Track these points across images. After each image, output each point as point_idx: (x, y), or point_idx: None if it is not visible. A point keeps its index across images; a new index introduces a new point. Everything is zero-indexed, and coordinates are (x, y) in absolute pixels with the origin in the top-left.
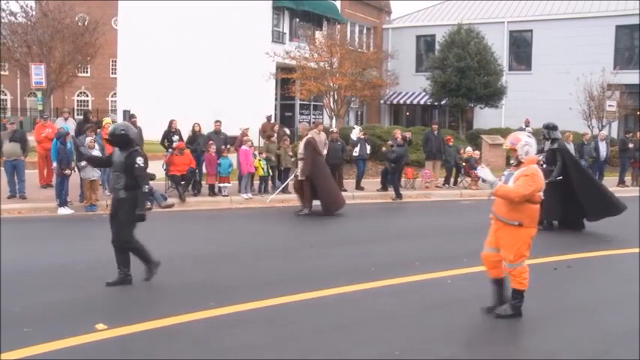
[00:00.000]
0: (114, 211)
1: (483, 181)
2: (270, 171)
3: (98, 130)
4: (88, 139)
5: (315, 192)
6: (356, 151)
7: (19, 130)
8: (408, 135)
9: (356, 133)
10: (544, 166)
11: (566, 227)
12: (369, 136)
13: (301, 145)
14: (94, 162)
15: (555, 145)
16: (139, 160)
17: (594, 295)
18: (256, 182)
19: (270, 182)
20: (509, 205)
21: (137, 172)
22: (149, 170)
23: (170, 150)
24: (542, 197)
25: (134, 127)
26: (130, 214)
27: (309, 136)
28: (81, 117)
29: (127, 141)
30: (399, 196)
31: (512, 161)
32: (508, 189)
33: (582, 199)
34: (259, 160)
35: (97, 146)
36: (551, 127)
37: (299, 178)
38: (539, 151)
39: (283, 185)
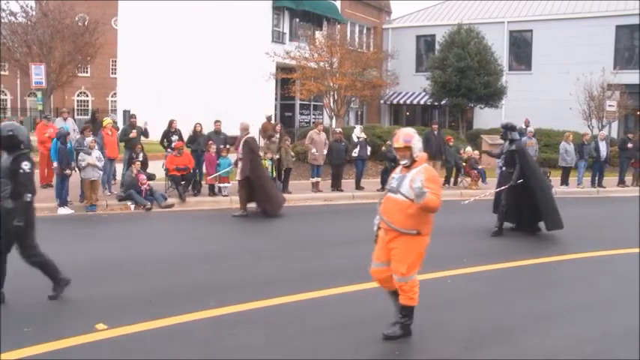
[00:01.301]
0: (2, 223)
1: (419, 192)
2: (274, 171)
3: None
4: (89, 139)
5: (253, 193)
6: (355, 152)
7: None
8: None
9: (357, 133)
10: (503, 168)
11: (522, 231)
12: (369, 138)
13: (240, 145)
14: None
15: (514, 147)
16: (25, 165)
17: (594, 295)
18: None
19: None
20: (407, 212)
21: (21, 179)
22: (149, 170)
23: (169, 150)
24: (503, 201)
25: (133, 127)
26: (10, 226)
27: (248, 136)
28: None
29: (14, 143)
30: None
31: (404, 162)
32: (435, 199)
33: (541, 204)
34: (264, 159)
35: (97, 147)
36: (509, 128)
37: (237, 179)
38: (500, 153)
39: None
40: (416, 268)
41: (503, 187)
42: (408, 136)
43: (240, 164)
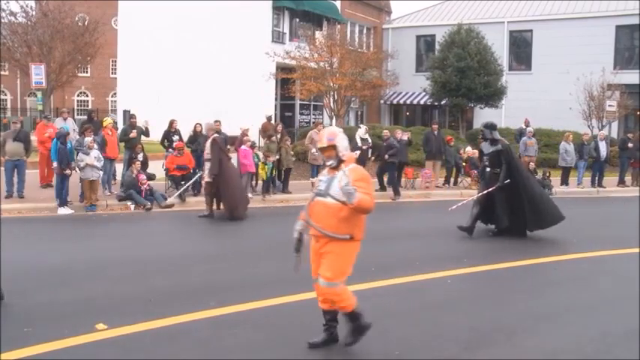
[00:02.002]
0: None
1: (347, 190)
2: (273, 172)
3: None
4: (87, 139)
5: (219, 194)
6: (356, 153)
7: (23, 130)
8: (407, 135)
9: (362, 133)
10: (488, 169)
11: (509, 234)
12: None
13: (207, 144)
14: None
15: (499, 147)
16: None
17: (594, 295)
18: (259, 182)
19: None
20: (339, 215)
21: None
22: (149, 170)
23: (170, 150)
24: (479, 203)
25: (133, 127)
26: None
27: (216, 135)
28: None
29: None
30: (397, 194)
31: (330, 162)
32: (369, 199)
33: (527, 205)
34: (263, 163)
35: (96, 146)
36: (491, 127)
37: (206, 179)
38: (480, 153)
39: (185, 186)
40: (344, 275)
41: (490, 189)
42: (332, 134)
43: (207, 164)
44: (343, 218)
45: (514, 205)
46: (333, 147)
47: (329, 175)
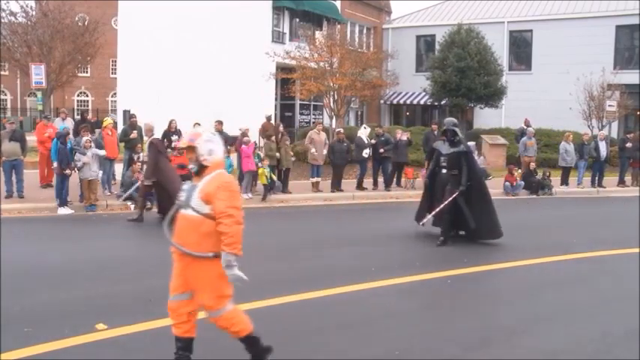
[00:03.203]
0: None
1: (226, 265)
2: (273, 177)
3: (97, 131)
4: (84, 138)
5: (156, 197)
6: (366, 152)
7: (18, 130)
8: (407, 135)
9: (365, 133)
10: (444, 171)
11: (468, 238)
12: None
13: (146, 146)
14: None
15: (462, 148)
16: None
17: (594, 295)
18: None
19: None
20: (200, 230)
21: None
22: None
23: (170, 150)
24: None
25: (134, 127)
26: None
27: (155, 136)
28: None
29: None
30: (388, 186)
31: (191, 166)
32: (232, 226)
33: (476, 211)
34: (263, 167)
35: (93, 146)
36: (456, 125)
37: (144, 183)
38: (431, 152)
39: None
40: (225, 299)
41: (455, 195)
42: (194, 135)
43: (144, 167)
44: (206, 234)
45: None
46: (192, 149)
47: (193, 183)
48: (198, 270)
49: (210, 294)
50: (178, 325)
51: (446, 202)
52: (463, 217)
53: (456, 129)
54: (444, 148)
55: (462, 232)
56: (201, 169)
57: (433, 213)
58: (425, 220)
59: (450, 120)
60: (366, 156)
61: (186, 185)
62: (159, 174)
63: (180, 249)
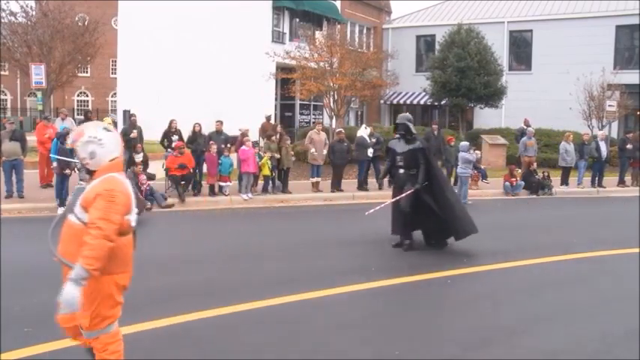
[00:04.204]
0: None
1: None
2: (272, 173)
3: None
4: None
5: None
6: (370, 152)
7: (18, 130)
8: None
9: (366, 133)
10: (401, 170)
11: (429, 245)
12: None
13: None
14: None
15: (417, 145)
16: None
17: (594, 295)
18: (260, 182)
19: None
20: (82, 240)
21: None
22: (149, 170)
23: (169, 150)
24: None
25: (134, 127)
26: None
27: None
28: (80, 117)
29: None
30: (380, 187)
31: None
32: (98, 239)
33: (443, 212)
34: (265, 158)
35: None
36: (411, 121)
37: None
38: (387, 152)
39: None
40: (104, 320)
41: (407, 193)
42: (77, 134)
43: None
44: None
45: (430, 213)
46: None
47: (82, 184)
48: None
49: (86, 313)
50: (78, 338)
51: (390, 201)
52: (426, 216)
53: (409, 124)
54: (399, 146)
55: (432, 242)
56: (92, 172)
57: (378, 207)
58: (371, 211)
59: (403, 115)
60: (371, 155)
61: (78, 185)
62: None
63: (63, 261)
